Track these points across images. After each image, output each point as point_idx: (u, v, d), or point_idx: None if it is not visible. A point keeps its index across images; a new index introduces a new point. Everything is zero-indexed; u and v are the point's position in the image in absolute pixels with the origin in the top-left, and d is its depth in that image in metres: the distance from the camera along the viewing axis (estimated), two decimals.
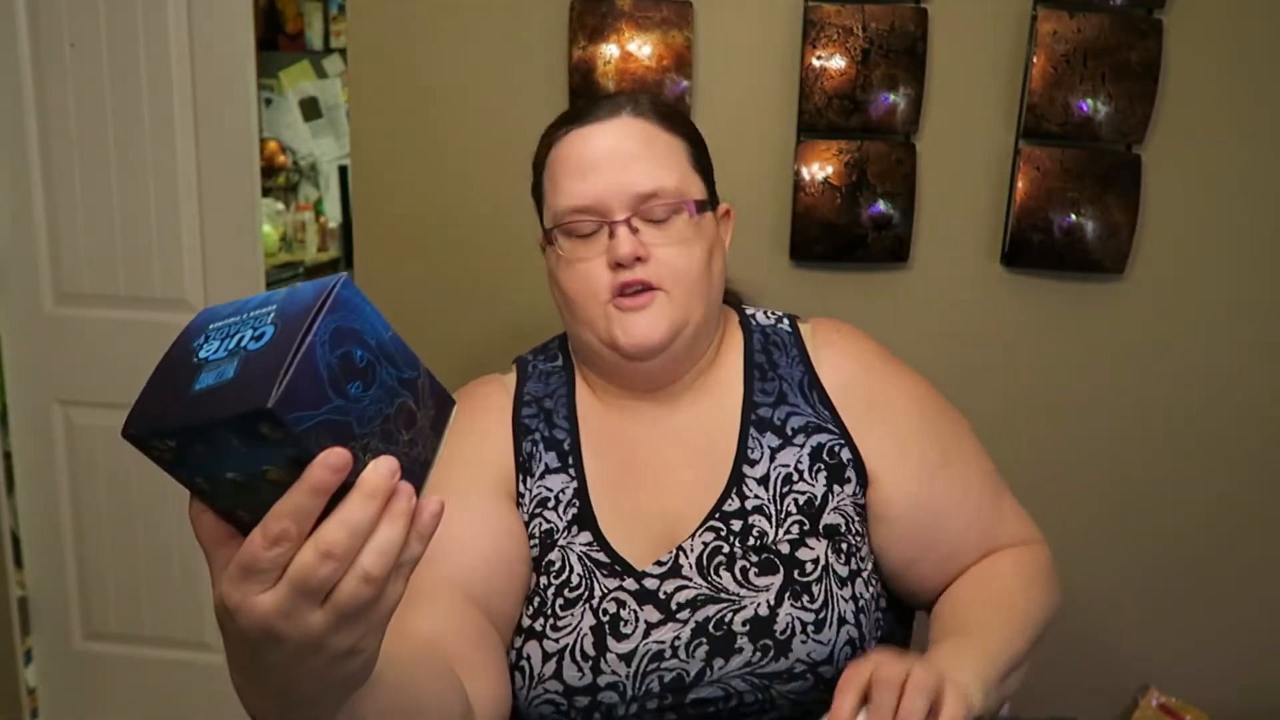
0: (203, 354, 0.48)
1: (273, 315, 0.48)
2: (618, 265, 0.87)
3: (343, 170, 4.28)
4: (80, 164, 1.77)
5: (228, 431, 0.45)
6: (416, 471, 0.51)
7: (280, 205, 4.19)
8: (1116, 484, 1.60)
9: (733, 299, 1.05)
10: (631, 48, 1.53)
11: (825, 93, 1.51)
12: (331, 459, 0.45)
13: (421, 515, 0.49)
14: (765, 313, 1.02)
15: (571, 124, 0.93)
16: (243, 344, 0.47)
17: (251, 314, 0.49)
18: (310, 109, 4.32)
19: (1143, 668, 1.64)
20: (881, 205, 1.53)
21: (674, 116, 0.95)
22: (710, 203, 0.95)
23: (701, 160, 0.96)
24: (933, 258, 1.58)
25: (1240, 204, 1.51)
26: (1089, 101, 1.48)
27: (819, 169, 1.53)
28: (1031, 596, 0.94)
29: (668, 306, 0.88)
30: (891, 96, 1.51)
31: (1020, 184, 1.50)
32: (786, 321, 1.01)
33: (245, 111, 1.72)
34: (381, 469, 0.47)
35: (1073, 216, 1.51)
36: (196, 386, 0.46)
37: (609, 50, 1.53)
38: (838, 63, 1.50)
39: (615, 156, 0.89)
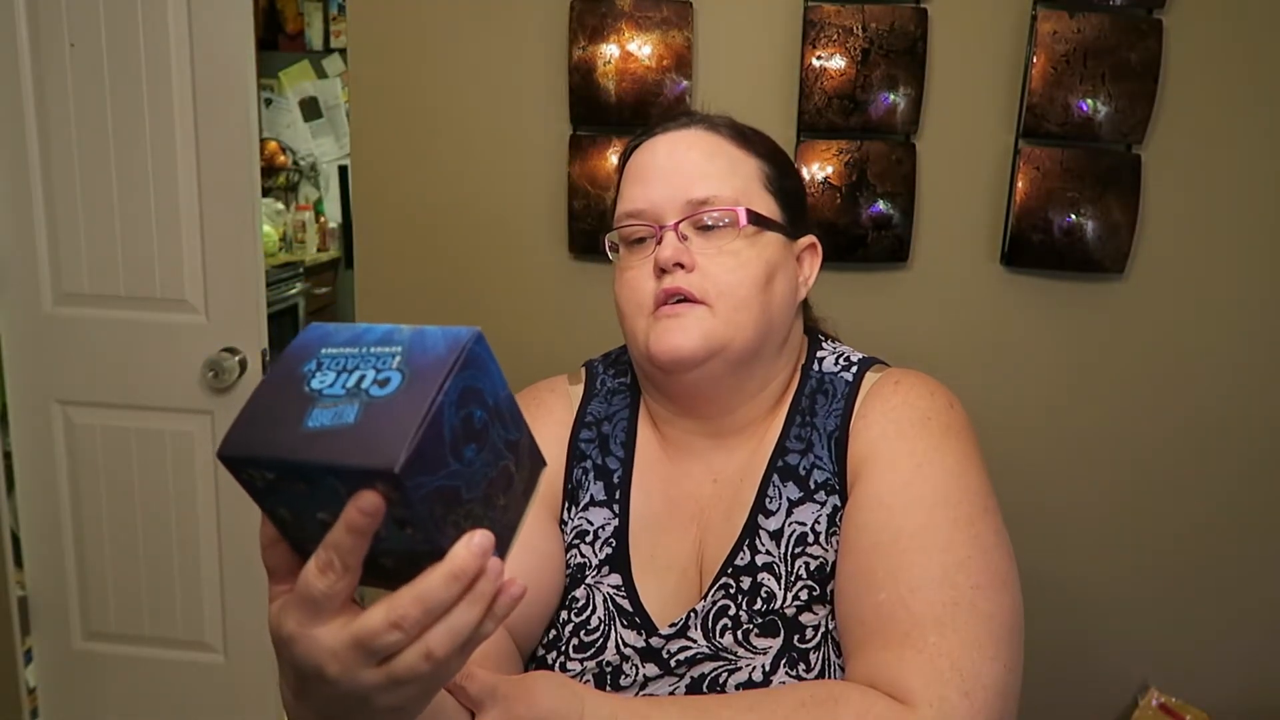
0: (315, 384, 0.46)
1: (398, 360, 0.45)
2: (661, 272, 0.84)
3: (343, 170, 4.28)
4: (80, 164, 1.76)
5: (337, 480, 0.43)
6: (505, 537, 0.49)
7: (280, 205, 4.19)
8: (1116, 483, 1.60)
9: (816, 341, 0.97)
10: (631, 48, 1.53)
11: (825, 93, 1.51)
12: (362, 503, 0.43)
13: (501, 597, 0.48)
14: (841, 358, 0.93)
15: (646, 135, 0.91)
16: (364, 385, 0.45)
17: (372, 350, 0.46)
18: (310, 109, 4.32)
19: (1143, 668, 1.64)
20: (881, 205, 1.53)
21: (752, 137, 0.91)
22: (782, 226, 0.89)
23: (782, 184, 0.91)
24: (933, 258, 1.58)
25: (1240, 204, 1.51)
26: (1089, 101, 1.48)
27: (819, 169, 1.53)
28: None
29: (708, 320, 0.83)
30: (891, 96, 1.51)
31: (1020, 184, 1.50)
32: (855, 369, 0.91)
33: (245, 111, 1.72)
34: (475, 547, 0.46)
35: (1073, 216, 1.51)
36: (310, 423, 0.44)
37: (609, 50, 1.53)
38: (838, 63, 1.50)
39: (676, 164, 0.87)
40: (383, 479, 0.42)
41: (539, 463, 0.53)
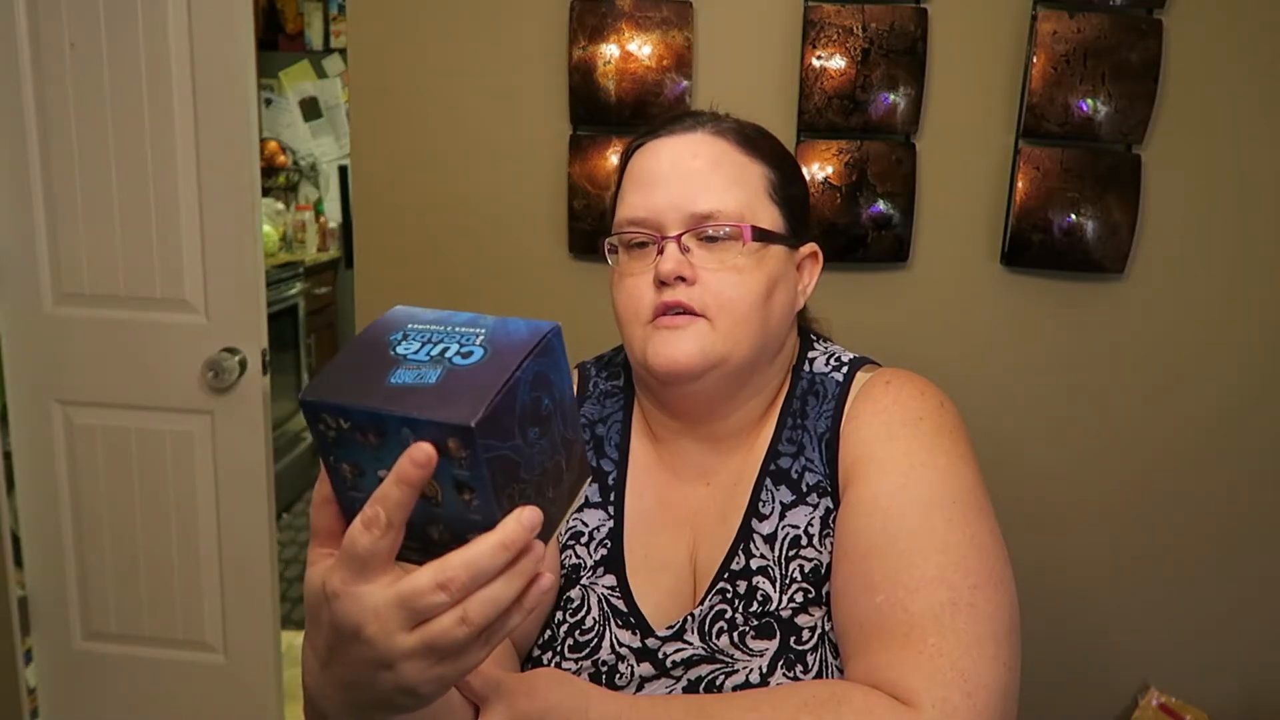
0: (400, 349, 0.49)
1: (482, 338, 0.49)
2: (661, 284, 0.83)
3: (343, 170, 4.28)
4: (80, 164, 1.76)
5: (412, 432, 0.45)
6: (546, 532, 0.51)
7: (280, 205, 4.19)
8: (1116, 483, 1.60)
9: (808, 341, 0.96)
10: (631, 48, 1.53)
11: (825, 93, 1.51)
12: (415, 454, 0.45)
13: (532, 587, 0.50)
14: (832, 358, 0.93)
15: (650, 135, 0.90)
16: (448, 355, 0.48)
17: (458, 329, 0.50)
18: (310, 109, 4.32)
19: (1143, 668, 1.64)
20: (881, 205, 1.53)
21: (757, 141, 0.89)
22: (786, 237, 0.88)
23: (786, 191, 0.89)
24: (933, 258, 1.58)
25: (1240, 204, 1.51)
26: (1089, 101, 1.48)
27: (819, 169, 1.53)
28: None
29: (708, 335, 0.83)
30: (891, 96, 1.51)
31: (1020, 184, 1.50)
32: (846, 369, 0.91)
33: (245, 111, 1.72)
34: (525, 520, 0.47)
35: (1073, 216, 1.51)
36: (392, 379, 0.47)
37: (609, 50, 1.53)
38: (838, 63, 1.50)
39: (680, 172, 0.85)
40: (457, 434, 0.44)
41: (586, 472, 0.56)
